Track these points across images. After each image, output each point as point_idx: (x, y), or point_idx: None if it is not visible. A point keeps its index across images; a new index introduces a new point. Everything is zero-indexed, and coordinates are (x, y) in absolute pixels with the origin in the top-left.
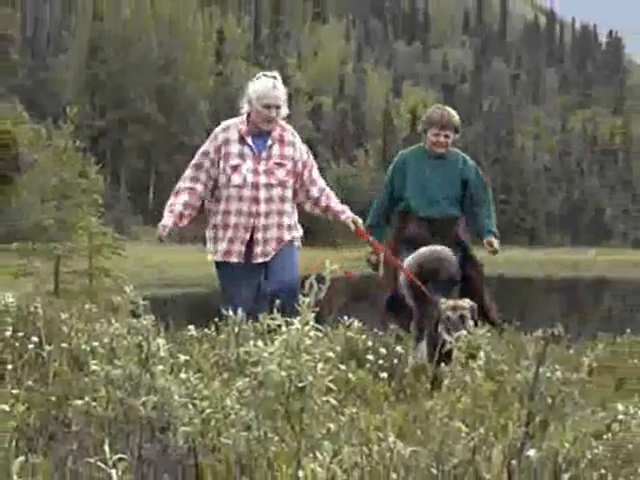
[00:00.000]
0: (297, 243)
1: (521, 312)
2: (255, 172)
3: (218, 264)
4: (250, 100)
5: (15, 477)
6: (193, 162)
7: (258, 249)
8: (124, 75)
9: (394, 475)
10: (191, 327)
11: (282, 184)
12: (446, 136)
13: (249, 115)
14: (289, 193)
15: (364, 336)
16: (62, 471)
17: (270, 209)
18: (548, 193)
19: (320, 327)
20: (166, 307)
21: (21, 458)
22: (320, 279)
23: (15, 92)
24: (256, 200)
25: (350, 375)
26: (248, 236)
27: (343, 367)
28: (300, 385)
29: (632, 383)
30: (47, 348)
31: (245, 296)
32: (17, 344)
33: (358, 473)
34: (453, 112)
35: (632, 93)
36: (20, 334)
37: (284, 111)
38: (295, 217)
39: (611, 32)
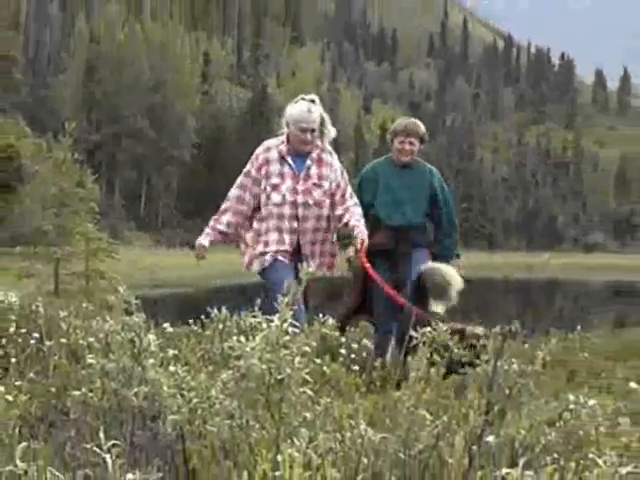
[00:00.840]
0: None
1: (481, 311)
2: (294, 191)
3: (265, 268)
4: (288, 123)
5: (18, 461)
6: (237, 183)
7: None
8: (118, 94)
9: (365, 460)
10: (166, 324)
11: (318, 204)
12: (411, 143)
13: (289, 136)
14: (325, 212)
15: (337, 332)
16: (61, 456)
17: (305, 227)
18: (505, 202)
19: (297, 324)
20: (156, 306)
21: (24, 444)
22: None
23: (18, 109)
24: (295, 218)
25: (325, 368)
26: (291, 250)
27: (318, 361)
28: (279, 377)
29: (582, 375)
30: (47, 343)
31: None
32: (20, 340)
33: (332, 457)
34: (419, 122)
35: (582, 110)
36: (23, 330)
37: (332, 132)
38: (333, 236)
39: (563, 55)
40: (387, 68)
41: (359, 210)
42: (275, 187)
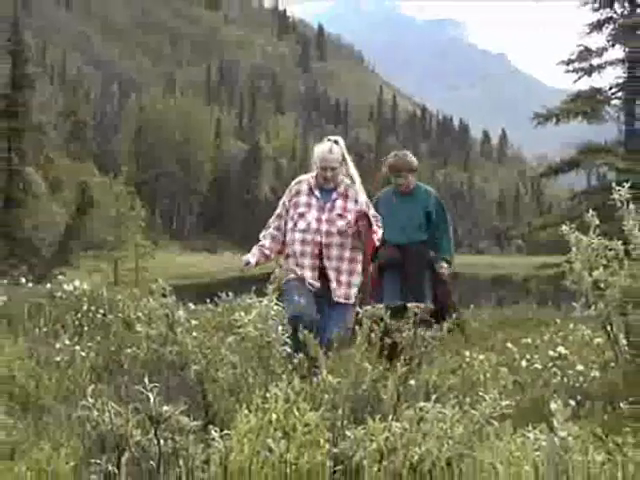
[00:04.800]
0: (352, 300)
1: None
2: (318, 220)
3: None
4: (314, 161)
5: (89, 398)
6: (275, 213)
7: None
8: (158, 147)
9: (326, 396)
10: (190, 304)
11: (341, 233)
12: (404, 177)
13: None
14: (348, 242)
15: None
16: (118, 394)
17: (329, 254)
18: None
19: (280, 304)
20: (183, 291)
21: (92, 386)
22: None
23: (89, 157)
24: (317, 244)
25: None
26: (316, 275)
27: None
28: (267, 340)
29: (475, 338)
30: (109, 317)
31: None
32: (90, 315)
33: (304, 395)
34: (406, 156)
35: (474, 157)
36: (92, 308)
37: (352, 171)
38: (358, 266)
39: (461, 120)
40: (341, 128)
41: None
42: (302, 215)
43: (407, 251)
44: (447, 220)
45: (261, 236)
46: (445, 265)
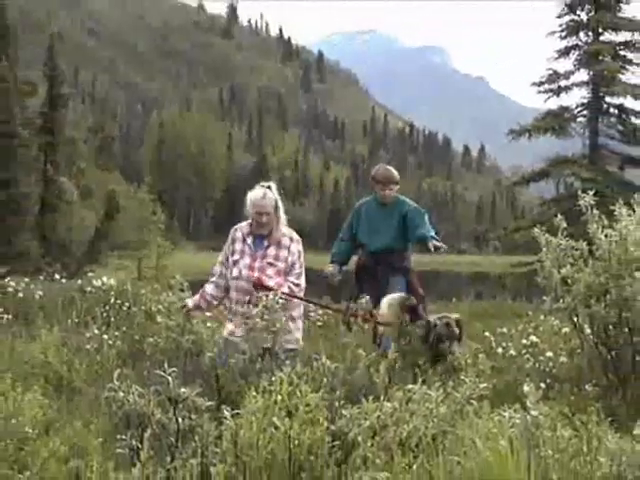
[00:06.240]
0: (292, 345)
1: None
2: (250, 268)
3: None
4: (248, 207)
5: (115, 381)
6: (218, 259)
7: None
8: (176, 159)
9: (325, 379)
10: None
11: (272, 279)
12: (390, 189)
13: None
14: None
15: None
16: (141, 377)
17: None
18: None
19: (285, 297)
20: (199, 287)
21: (118, 370)
22: None
23: (116, 168)
24: (249, 292)
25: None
26: (245, 322)
27: None
28: (274, 329)
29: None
30: (133, 309)
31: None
32: (117, 307)
33: (305, 378)
34: (392, 169)
35: (455, 168)
36: (118, 301)
37: (282, 216)
38: (293, 313)
39: (444, 135)
40: (338, 143)
41: (290, 284)
42: (235, 263)
43: (381, 258)
44: (423, 216)
45: (206, 284)
46: (437, 243)
